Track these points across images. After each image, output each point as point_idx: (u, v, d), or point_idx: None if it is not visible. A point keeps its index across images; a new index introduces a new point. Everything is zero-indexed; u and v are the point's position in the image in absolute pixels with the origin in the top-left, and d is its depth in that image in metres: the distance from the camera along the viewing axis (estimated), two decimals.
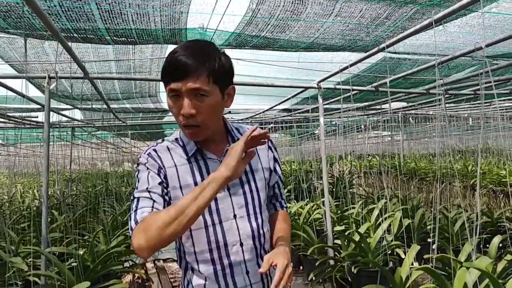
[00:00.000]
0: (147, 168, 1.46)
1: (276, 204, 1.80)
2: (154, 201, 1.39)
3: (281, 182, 1.79)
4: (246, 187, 1.56)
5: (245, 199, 1.54)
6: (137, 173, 1.50)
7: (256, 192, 1.57)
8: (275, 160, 1.72)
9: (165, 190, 1.45)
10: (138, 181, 1.46)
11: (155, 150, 1.51)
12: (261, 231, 1.56)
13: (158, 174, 1.46)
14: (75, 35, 3.70)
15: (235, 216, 1.51)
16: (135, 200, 1.41)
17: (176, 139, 1.57)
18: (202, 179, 1.48)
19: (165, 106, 8.35)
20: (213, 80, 1.38)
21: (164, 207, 1.40)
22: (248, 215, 1.54)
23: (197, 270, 1.51)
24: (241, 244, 1.51)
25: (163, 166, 1.48)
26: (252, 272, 1.53)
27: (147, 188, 1.41)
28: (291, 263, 1.46)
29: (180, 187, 1.47)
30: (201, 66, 1.36)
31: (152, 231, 1.27)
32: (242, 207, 1.53)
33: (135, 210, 1.38)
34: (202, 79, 1.36)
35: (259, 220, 1.56)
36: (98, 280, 3.73)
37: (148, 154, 1.50)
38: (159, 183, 1.44)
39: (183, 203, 1.28)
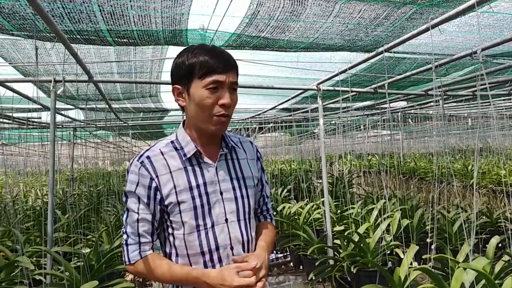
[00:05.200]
0: (137, 184, 1.53)
1: (261, 217, 1.84)
2: (140, 238, 1.55)
3: (268, 193, 1.84)
4: (238, 193, 1.61)
5: (236, 205, 1.59)
6: (127, 178, 1.57)
7: (246, 198, 1.62)
8: (262, 170, 1.79)
9: (153, 209, 1.54)
10: (127, 197, 1.56)
11: (148, 158, 1.55)
12: (249, 236, 1.62)
13: (149, 187, 1.52)
14: (77, 36, 3.74)
15: (226, 220, 1.56)
16: (124, 230, 1.57)
17: (172, 141, 1.60)
18: (197, 183, 1.54)
19: (166, 105, 8.37)
20: (237, 77, 1.56)
21: (152, 231, 1.56)
22: (239, 220, 1.59)
23: None
24: (231, 248, 1.56)
25: (156, 176, 1.52)
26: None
27: (137, 219, 1.54)
28: (266, 268, 1.55)
29: (176, 192, 1.52)
30: (235, 63, 1.55)
31: (150, 277, 1.56)
32: (233, 212, 1.58)
33: (126, 244, 1.56)
34: (235, 75, 1.54)
35: (248, 226, 1.62)
36: (103, 279, 3.76)
37: (141, 163, 1.54)
38: (147, 203, 1.53)
39: (172, 277, 1.52)
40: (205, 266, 1.53)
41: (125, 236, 1.57)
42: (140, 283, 5.40)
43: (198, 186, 1.54)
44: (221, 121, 1.51)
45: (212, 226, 1.54)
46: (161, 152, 1.56)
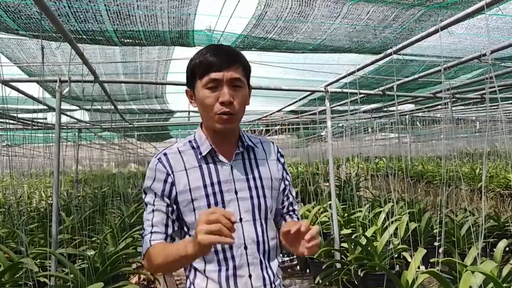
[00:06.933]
0: (154, 179, 1.54)
1: (287, 216, 1.75)
2: (152, 228, 1.53)
3: (292, 193, 1.78)
4: (254, 192, 1.58)
5: (251, 204, 1.57)
6: (146, 175, 1.59)
7: (263, 198, 1.60)
8: (286, 171, 1.76)
9: (168, 201, 1.54)
10: (145, 193, 1.58)
11: (165, 155, 1.57)
12: (265, 237, 1.59)
13: (165, 181, 1.53)
14: (83, 36, 3.72)
15: (241, 219, 1.55)
16: (145, 219, 1.57)
17: (190, 141, 1.62)
18: (211, 182, 1.54)
19: (171, 107, 8.36)
20: (244, 73, 1.54)
21: (166, 223, 1.54)
22: (254, 219, 1.57)
23: (201, 270, 1.54)
24: (245, 248, 1.54)
25: (172, 172, 1.54)
26: (255, 276, 1.55)
27: (152, 210, 1.55)
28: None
29: (190, 190, 1.52)
30: (239, 58, 1.53)
31: (154, 266, 1.52)
32: (248, 211, 1.56)
33: (142, 237, 1.56)
34: (240, 70, 1.51)
35: (264, 226, 1.59)
36: (108, 281, 3.74)
37: (158, 159, 1.57)
38: (162, 196, 1.53)
39: (167, 254, 1.44)
40: (219, 265, 1.52)
41: (142, 231, 1.59)
42: (145, 286, 5.38)
43: (212, 184, 1.54)
44: (223, 119, 1.50)
45: None
46: (179, 151, 1.59)
